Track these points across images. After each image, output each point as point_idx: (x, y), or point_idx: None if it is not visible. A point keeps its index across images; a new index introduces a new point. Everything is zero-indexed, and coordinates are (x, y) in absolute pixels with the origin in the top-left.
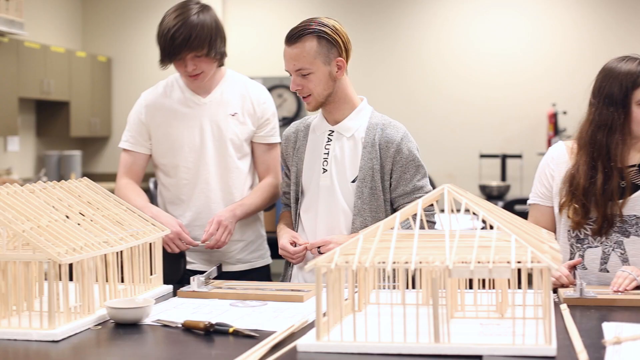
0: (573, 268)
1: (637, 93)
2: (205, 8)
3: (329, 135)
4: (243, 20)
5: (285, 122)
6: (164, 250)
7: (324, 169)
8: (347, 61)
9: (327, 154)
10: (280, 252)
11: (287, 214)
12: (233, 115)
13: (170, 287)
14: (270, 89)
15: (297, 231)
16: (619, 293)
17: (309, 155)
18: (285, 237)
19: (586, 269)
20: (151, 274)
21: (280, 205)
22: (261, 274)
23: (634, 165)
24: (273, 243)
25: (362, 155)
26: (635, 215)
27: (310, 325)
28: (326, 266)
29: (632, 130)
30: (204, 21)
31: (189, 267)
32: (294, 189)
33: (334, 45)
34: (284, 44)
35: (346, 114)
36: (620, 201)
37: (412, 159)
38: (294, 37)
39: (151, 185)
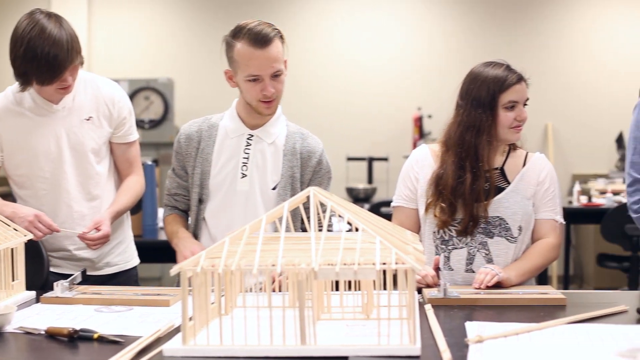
0: (438, 269)
1: (503, 97)
2: (56, 17)
3: (248, 139)
4: (109, 22)
5: (152, 124)
6: (27, 255)
7: (243, 173)
8: None
9: (247, 158)
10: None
11: (179, 219)
12: (88, 120)
13: (33, 293)
14: (136, 91)
15: (199, 235)
16: (481, 290)
17: (220, 158)
18: (197, 248)
19: (452, 269)
20: (13, 280)
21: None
22: (129, 277)
23: (497, 168)
24: (139, 246)
25: (284, 162)
26: (498, 217)
27: (177, 330)
28: (192, 270)
29: (498, 133)
30: (68, 31)
31: (52, 271)
32: (197, 191)
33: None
34: (250, 49)
35: (267, 119)
36: (485, 202)
37: (328, 170)
38: (267, 39)
39: None
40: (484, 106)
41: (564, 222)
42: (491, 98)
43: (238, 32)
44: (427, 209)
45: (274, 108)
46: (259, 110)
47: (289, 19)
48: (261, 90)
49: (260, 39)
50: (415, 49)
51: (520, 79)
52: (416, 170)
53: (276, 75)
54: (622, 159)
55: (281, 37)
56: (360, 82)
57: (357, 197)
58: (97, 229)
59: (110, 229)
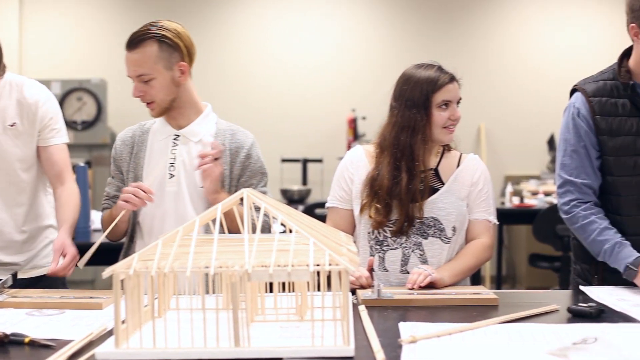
0: (372, 270)
1: (437, 96)
2: None
3: (174, 139)
4: (41, 23)
5: (85, 125)
6: None
7: (170, 174)
8: (190, 65)
9: (174, 159)
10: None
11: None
12: (12, 126)
13: None
14: (69, 92)
15: (135, 239)
16: (414, 290)
17: (151, 161)
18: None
19: (387, 270)
20: None
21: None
22: (57, 278)
23: (431, 169)
24: None
25: None
26: (433, 217)
27: (109, 333)
28: (124, 272)
29: (432, 132)
30: None
31: None
32: None
33: (176, 49)
34: (126, 49)
35: (192, 118)
36: (420, 202)
37: (260, 166)
38: (134, 42)
39: None
40: (418, 106)
41: (497, 223)
42: (425, 98)
43: None
44: (362, 210)
45: (156, 111)
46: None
47: (224, 20)
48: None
49: (130, 41)
50: (350, 50)
51: (452, 79)
52: (351, 171)
53: (147, 80)
54: (554, 160)
55: (163, 41)
56: (295, 83)
57: (292, 199)
58: (63, 255)
59: (74, 247)
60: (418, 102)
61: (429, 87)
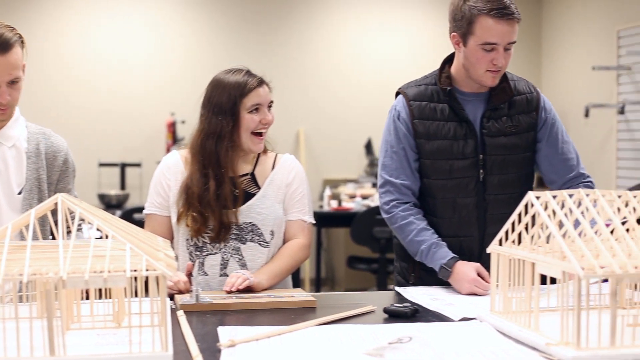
0: (190, 274)
1: (246, 101)
2: None
3: None
4: None
5: None
6: None
7: None
8: None
9: None
10: None
11: None
12: None
13: None
14: None
15: None
16: (233, 294)
17: None
18: None
19: (207, 274)
20: None
21: None
22: None
23: (246, 174)
24: None
25: (28, 165)
26: (250, 223)
27: None
28: None
29: (241, 138)
30: None
31: None
32: None
33: (24, 48)
34: None
35: (3, 123)
36: (235, 209)
37: (74, 168)
38: (7, 45)
39: None
40: (225, 112)
41: (314, 222)
42: (232, 104)
43: None
44: (179, 219)
45: (8, 114)
46: None
47: (44, 18)
48: None
49: (1, 44)
50: (168, 52)
51: (261, 82)
52: (167, 177)
53: (13, 82)
54: (371, 164)
55: (22, 42)
56: (113, 85)
57: (110, 204)
58: None
59: None
60: (226, 108)
61: (237, 92)
